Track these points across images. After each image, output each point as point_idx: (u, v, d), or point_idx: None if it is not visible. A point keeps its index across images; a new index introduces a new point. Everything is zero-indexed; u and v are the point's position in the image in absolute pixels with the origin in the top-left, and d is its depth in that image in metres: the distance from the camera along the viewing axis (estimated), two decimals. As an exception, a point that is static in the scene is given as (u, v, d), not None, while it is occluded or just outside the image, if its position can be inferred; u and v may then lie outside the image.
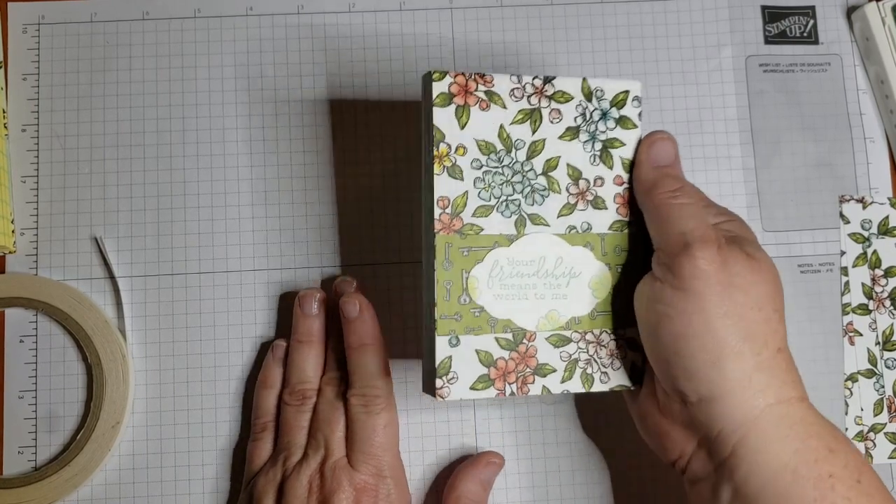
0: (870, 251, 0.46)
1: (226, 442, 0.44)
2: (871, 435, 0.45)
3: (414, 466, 0.44)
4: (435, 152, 0.36)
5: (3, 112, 0.45)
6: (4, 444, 0.43)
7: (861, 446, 0.45)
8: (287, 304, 0.45)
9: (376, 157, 0.46)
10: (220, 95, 0.46)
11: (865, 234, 0.46)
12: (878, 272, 0.46)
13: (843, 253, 0.46)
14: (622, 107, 0.38)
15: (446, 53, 0.47)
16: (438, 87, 0.36)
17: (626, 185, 0.38)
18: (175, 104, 0.46)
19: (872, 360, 0.45)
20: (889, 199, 0.47)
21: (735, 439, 0.33)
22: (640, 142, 0.38)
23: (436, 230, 0.36)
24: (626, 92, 0.38)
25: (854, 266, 0.46)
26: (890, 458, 0.45)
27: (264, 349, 0.44)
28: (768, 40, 0.48)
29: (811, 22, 0.48)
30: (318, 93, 0.46)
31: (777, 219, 0.46)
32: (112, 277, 0.45)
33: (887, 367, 0.45)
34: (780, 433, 0.32)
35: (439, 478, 0.44)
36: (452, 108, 0.36)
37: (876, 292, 0.46)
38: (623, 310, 0.38)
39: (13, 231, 0.45)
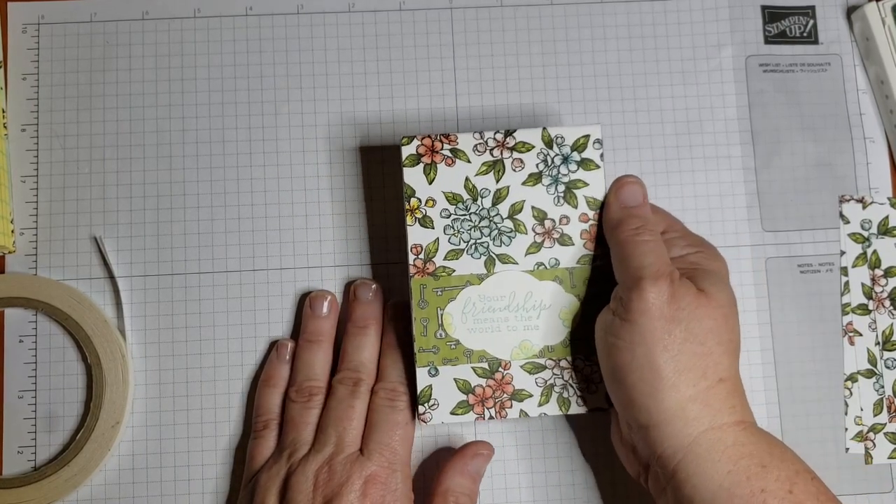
0: (870, 251, 0.46)
1: (226, 442, 0.44)
2: (871, 435, 0.45)
3: (414, 468, 0.44)
4: (406, 206, 0.40)
5: (3, 112, 0.45)
6: (4, 444, 0.43)
7: (861, 446, 0.45)
8: (287, 304, 0.45)
9: (376, 156, 0.46)
10: (220, 95, 0.46)
11: (865, 234, 0.46)
12: (878, 272, 0.46)
13: (843, 253, 0.46)
14: (583, 150, 0.41)
15: (446, 53, 0.47)
16: (407, 150, 0.40)
17: (591, 222, 0.40)
18: (175, 104, 0.46)
19: (872, 360, 0.45)
20: (889, 199, 0.47)
21: (674, 463, 0.35)
22: (611, 184, 0.40)
23: (410, 274, 0.40)
24: (587, 136, 0.41)
25: (854, 266, 0.46)
26: (890, 458, 0.45)
27: (265, 349, 0.44)
28: (768, 40, 0.48)
29: (811, 22, 0.48)
30: (317, 92, 0.46)
31: (777, 219, 0.46)
32: (112, 277, 0.45)
33: (887, 367, 0.45)
34: (712, 457, 0.35)
35: (425, 471, 0.44)
36: (421, 166, 0.40)
37: (876, 292, 0.46)
38: (594, 337, 0.40)
39: (13, 231, 0.45)
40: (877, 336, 0.46)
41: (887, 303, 0.46)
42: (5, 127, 0.45)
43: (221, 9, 0.47)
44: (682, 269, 0.38)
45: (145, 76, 0.46)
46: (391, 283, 0.45)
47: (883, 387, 0.45)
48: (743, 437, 0.35)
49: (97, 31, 0.46)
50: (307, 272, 0.45)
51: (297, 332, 0.44)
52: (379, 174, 0.46)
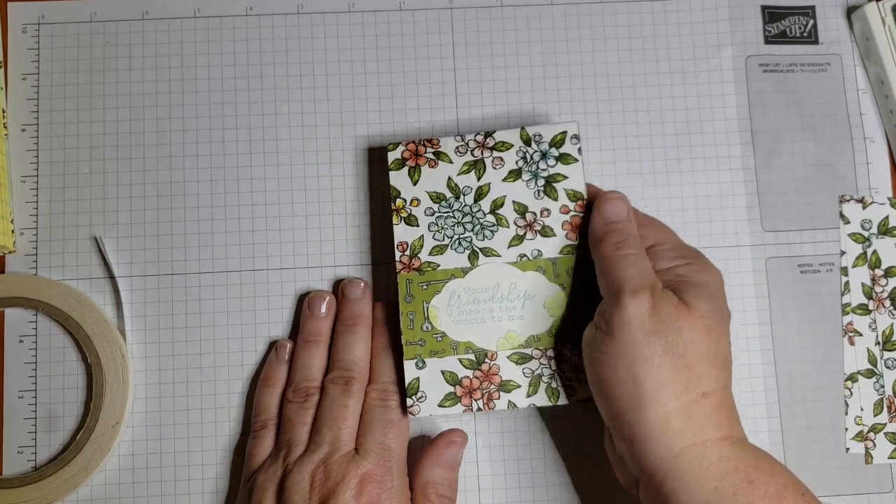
0: (870, 251, 0.46)
1: (226, 442, 0.44)
2: (871, 435, 0.45)
3: (410, 467, 0.44)
4: (392, 206, 0.42)
5: (3, 112, 0.45)
6: (4, 444, 0.43)
7: (861, 446, 0.45)
8: (287, 304, 0.45)
9: (376, 156, 0.46)
10: (220, 95, 0.46)
11: (865, 234, 0.46)
12: (878, 272, 0.46)
13: (843, 253, 0.46)
14: (561, 146, 0.42)
15: (446, 53, 0.47)
16: (392, 155, 0.42)
17: (573, 213, 0.41)
18: (175, 104, 0.46)
19: (872, 360, 0.45)
20: (889, 199, 0.47)
21: (659, 478, 0.35)
22: (595, 202, 0.41)
23: (397, 270, 0.41)
24: (564, 132, 0.42)
25: (854, 266, 0.46)
26: (890, 458, 0.45)
27: (265, 349, 0.44)
28: (768, 40, 0.48)
29: (811, 22, 0.48)
30: (317, 93, 0.46)
31: (777, 219, 0.46)
32: (112, 277, 0.45)
33: (887, 367, 0.45)
34: (697, 473, 0.34)
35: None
36: (405, 169, 0.42)
37: (876, 292, 0.46)
38: (580, 326, 0.40)
39: (13, 231, 0.45)
40: (877, 336, 0.46)
41: (887, 303, 0.46)
42: (5, 127, 0.45)
43: (221, 9, 0.47)
44: (668, 282, 0.38)
45: (145, 76, 0.46)
46: (391, 283, 0.45)
47: (883, 387, 0.45)
48: (729, 453, 0.35)
49: (97, 31, 0.46)
50: (307, 272, 0.45)
51: (296, 332, 0.44)
52: (379, 174, 0.46)
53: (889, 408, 0.45)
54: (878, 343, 0.46)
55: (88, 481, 0.43)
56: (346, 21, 0.47)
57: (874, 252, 0.46)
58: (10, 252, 0.44)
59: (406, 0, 0.47)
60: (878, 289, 0.46)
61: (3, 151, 0.45)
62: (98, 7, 0.47)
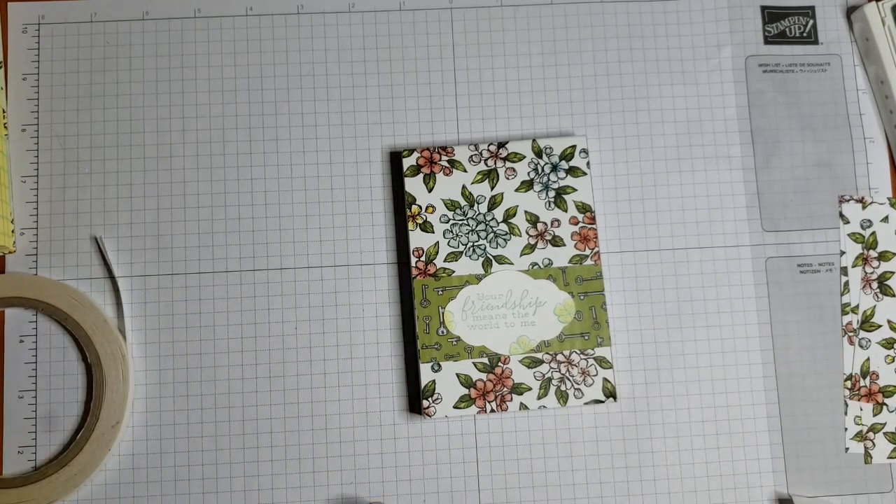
0: (868, 231, 0.46)
1: (226, 442, 0.44)
2: (871, 435, 0.45)
3: (414, 467, 0.44)
4: (408, 212, 0.42)
5: (3, 112, 0.45)
6: (4, 444, 0.43)
7: (860, 446, 0.45)
8: (287, 304, 0.45)
9: (376, 156, 0.46)
10: (220, 95, 0.46)
11: (865, 234, 0.46)
12: (872, 253, 0.46)
13: (842, 253, 0.46)
14: (571, 159, 0.44)
15: (446, 53, 0.47)
16: (407, 162, 0.43)
17: (581, 224, 0.43)
18: (175, 104, 0.46)
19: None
20: (889, 199, 0.47)
21: None
22: None
23: (413, 275, 0.42)
24: (574, 146, 0.44)
25: (854, 266, 0.46)
26: (889, 457, 0.45)
27: (265, 349, 0.44)
28: (768, 40, 0.48)
29: (811, 22, 0.48)
30: (317, 93, 0.46)
31: (777, 219, 0.46)
32: (112, 277, 0.45)
33: (861, 347, 0.45)
34: None
35: (425, 474, 0.44)
36: (420, 176, 0.44)
37: (865, 272, 0.46)
38: (589, 332, 0.43)
39: (13, 231, 0.45)
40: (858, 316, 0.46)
41: (875, 284, 0.46)
42: (5, 127, 0.45)
43: (221, 9, 0.47)
44: None
45: (145, 76, 0.46)
46: (391, 283, 0.45)
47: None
48: None
49: (97, 31, 0.46)
50: (307, 272, 0.45)
51: (297, 331, 0.44)
52: (379, 174, 0.46)
53: (853, 386, 0.45)
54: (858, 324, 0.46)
55: (88, 481, 0.43)
56: (346, 21, 0.47)
57: (873, 233, 0.46)
58: (10, 252, 0.44)
59: (406, 0, 0.47)
60: (868, 269, 0.46)
61: (3, 151, 0.45)
62: (98, 7, 0.47)
